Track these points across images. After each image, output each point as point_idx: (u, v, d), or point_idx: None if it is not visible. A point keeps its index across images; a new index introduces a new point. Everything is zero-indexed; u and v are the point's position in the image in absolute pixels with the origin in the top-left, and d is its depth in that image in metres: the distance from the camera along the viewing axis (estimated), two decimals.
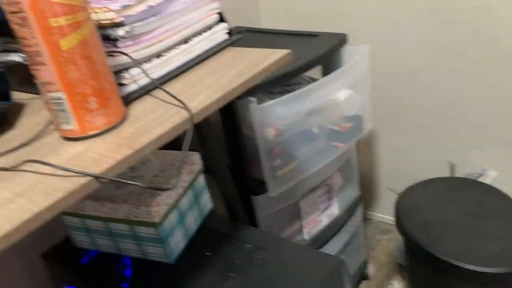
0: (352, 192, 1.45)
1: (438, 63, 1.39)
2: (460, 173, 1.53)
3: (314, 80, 1.15)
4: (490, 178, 1.45)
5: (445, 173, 1.54)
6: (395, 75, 1.50)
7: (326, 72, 1.23)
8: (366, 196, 1.86)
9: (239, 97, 1.00)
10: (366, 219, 1.88)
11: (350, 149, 1.37)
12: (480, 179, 1.45)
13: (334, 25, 1.53)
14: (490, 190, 1.22)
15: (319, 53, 1.14)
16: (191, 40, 0.75)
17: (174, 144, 0.61)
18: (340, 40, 1.21)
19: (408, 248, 1.16)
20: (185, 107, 0.57)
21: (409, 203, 1.21)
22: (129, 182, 0.50)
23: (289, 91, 1.05)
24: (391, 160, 1.71)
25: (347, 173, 1.41)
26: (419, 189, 1.26)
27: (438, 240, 1.07)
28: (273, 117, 1.02)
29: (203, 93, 0.62)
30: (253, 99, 0.98)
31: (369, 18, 1.45)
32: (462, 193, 1.22)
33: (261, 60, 0.72)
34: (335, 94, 1.17)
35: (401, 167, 1.68)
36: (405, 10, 1.37)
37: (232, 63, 0.72)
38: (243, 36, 1.40)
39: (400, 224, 1.16)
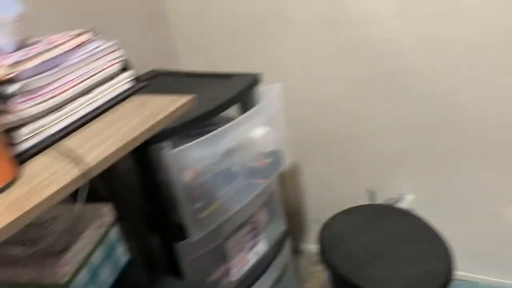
0: (279, 227, 1.46)
1: (355, 95, 1.46)
2: (381, 198, 1.59)
3: (233, 119, 1.17)
4: (408, 201, 1.52)
5: (366, 201, 1.60)
6: (316, 107, 1.55)
7: (243, 110, 1.26)
8: (296, 228, 1.88)
9: (152, 143, 0.99)
10: (297, 252, 1.89)
11: (273, 184, 1.39)
12: (400, 203, 1.52)
13: (253, 62, 1.57)
14: (407, 215, 1.28)
15: (233, 94, 1.16)
16: (93, 90, 0.73)
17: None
18: (253, 80, 1.24)
19: (333, 278, 1.18)
20: (77, 165, 0.55)
21: (331, 233, 1.24)
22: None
23: (208, 132, 1.06)
24: (317, 191, 1.75)
25: (272, 208, 1.42)
26: (340, 219, 1.29)
27: (360, 268, 1.10)
28: (190, 159, 1.02)
29: (103, 145, 0.61)
30: (166, 144, 0.97)
31: (288, 55, 1.50)
32: (381, 219, 1.26)
33: (164, 108, 0.72)
34: (252, 132, 1.19)
35: (327, 197, 1.72)
36: (321, 47, 1.43)
37: (135, 111, 0.72)
38: (156, 81, 1.40)
39: (323, 255, 1.18)
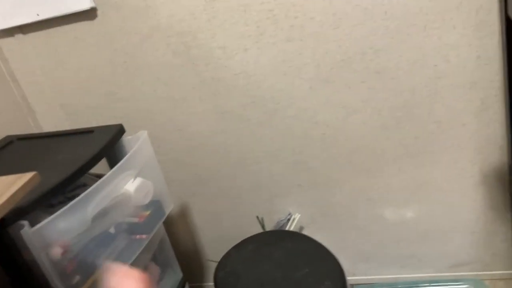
0: (175, 275, 1.40)
1: (226, 127, 1.46)
2: (272, 222, 1.61)
3: (101, 176, 1.09)
4: (295, 220, 1.55)
5: (258, 228, 1.60)
6: (191, 145, 1.52)
7: (111, 165, 1.19)
8: (195, 271, 1.82)
9: (7, 223, 0.88)
10: None
11: (160, 234, 1.33)
12: (289, 224, 1.54)
13: (115, 113, 1.50)
14: (296, 237, 1.30)
15: (96, 150, 1.09)
16: None
17: None
18: (116, 132, 1.18)
19: None
20: None
21: (225, 272, 1.21)
22: None
23: (74, 197, 0.97)
24: (209, 228, 1.71)
25: (164, 258, 1.36)
26: (232, 255, 1.27)
27: None
28: (56, 234, 0.93)
29: None
30: (24, 222, 0.87)
31: (150, 99, 1.46)
32: (272, 247, 1.27)
33: (4, 190, 0.64)
34: (123, 187, 1.12)
35: (219, 233, 1.70)
36: (183, 86, 1.41)
37: None
38: (11, 149, 1.27)
39: None
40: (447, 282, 1.55)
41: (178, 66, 1.39)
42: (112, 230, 1.10)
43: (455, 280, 1.55)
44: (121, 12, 1.34)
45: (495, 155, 1.31)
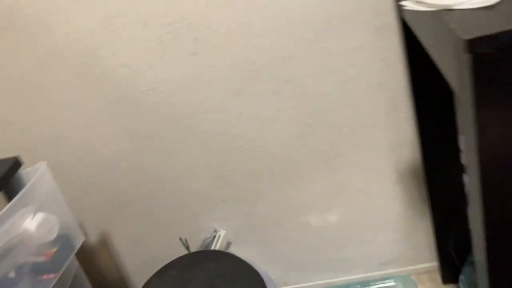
0: None
1: (140, 148, 1.39)
2: (197, 241, 1.55)
3: None
4: (221, 237, 1.51)
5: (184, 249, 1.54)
6: (103, 170, 1.44)
7: (7, 202, 1.08)
8: None
9: None
10: None
11: (72, 270, 1.23)
12: (215, 241, 1.50)
13: (16, 144, 1.39)
14: (221, 256, 1.26)
15: None
16: None
17: None
18: (11, 165, 1.08)
19: None
20: None
21: None
22: None
23: None
24: (133, 255, 1.63)
25: None
26: (154, 282, 1.21)
27: None
28: None
29: None
30: None
31: (56, 126, 1.37)
32: (195, 269, 1.21)
33: None
34: (22, 225, 1.02)
35: (144, 258, 1.62)
36: (86, 108, 1.34)
37: None
38: None
39: None
40: (376, 281, 1.58)
41: (81, 87, 1.31)
42: (12, 275, 0.99)
43: (384, 279, 1.57)
44: (12, 35, 1.24)
45: (408, 153, 1.34)
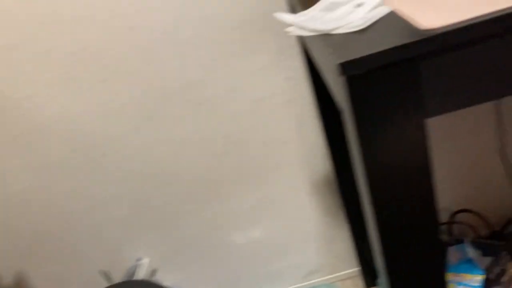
0: None
1: (46, 182, 1.34)
2: (122, 272, 1.51)
3: None
4: (146, 265, 1.48)
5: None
6: (13, 208, 1.37)
7: None
8: None
9: None
10: None
11: None
12: (139, 270, 1.46)
13: None
14: (143, 285, 1.23)
15: None
16: None
17: None
18: None
19: None
20: None
21: None
22: None
23: None
24: None
25: None
26: None
27: None
28: None
29: None
30: None
31: None
32: None
33: None
34: None
35: None
36: None
37: None
38: None
39: None
40: None
41: None
42: None
43: None
44: None
45: (320, 165, 1.40)
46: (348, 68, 0.53)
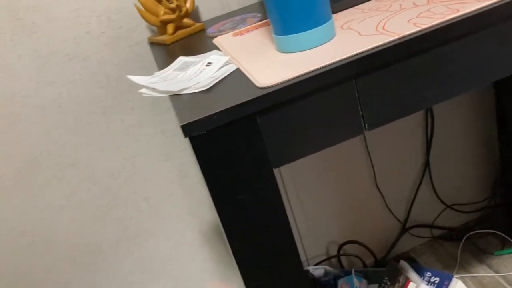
0: None
1: None
2: None
3: None
4: None
5: None
6: None
7: None
8: None
9: None
10: None
11: None
12: None
13: None
14: None
15: None
16: None
17: None
18: None
19: None
20: None
21: None
22: None
23: None
24: None
25: None
26: None
27: None
28: None
29: None
30: None
31: None
32: None
33: None
34: None
35: None
36: None
37: None
38: None
39: None
40: None
41: None
42: None
43: None
44: None
45: (208, 214, 1.40)
46: (190, 129, 0.55)
